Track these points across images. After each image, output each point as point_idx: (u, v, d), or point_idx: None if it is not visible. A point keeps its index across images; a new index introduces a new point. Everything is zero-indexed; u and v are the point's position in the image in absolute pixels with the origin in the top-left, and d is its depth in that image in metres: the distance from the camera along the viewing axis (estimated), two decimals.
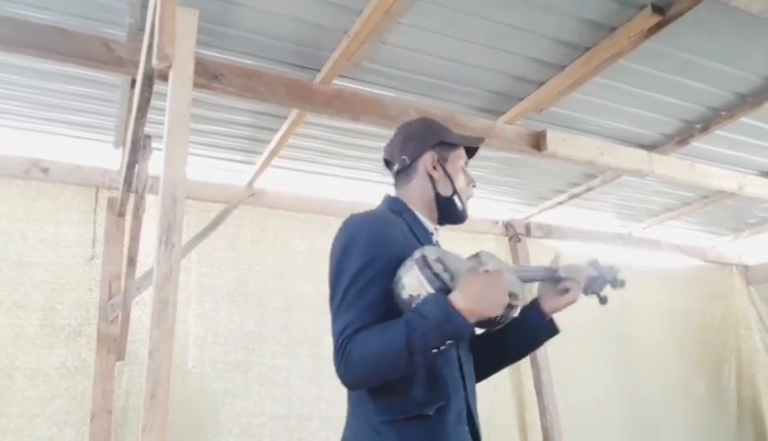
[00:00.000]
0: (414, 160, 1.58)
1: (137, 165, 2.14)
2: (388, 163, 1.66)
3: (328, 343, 3.26)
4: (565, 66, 2.34)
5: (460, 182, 1.61)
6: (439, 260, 1.30)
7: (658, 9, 1.97)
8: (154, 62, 1.32)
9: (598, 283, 1.59)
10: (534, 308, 1.57)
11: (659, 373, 4.06)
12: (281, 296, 3.05)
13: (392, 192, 1.62)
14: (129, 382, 2.67)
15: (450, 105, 2.59)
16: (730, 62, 2.38)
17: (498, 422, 3.46)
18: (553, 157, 2.74)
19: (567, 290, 1.54)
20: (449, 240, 3.54)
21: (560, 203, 3.67)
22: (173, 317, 1.13)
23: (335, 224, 3.65)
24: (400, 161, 1.59)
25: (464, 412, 1.41)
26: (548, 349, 3.56)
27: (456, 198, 1.59)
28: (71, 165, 2.77)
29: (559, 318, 1.58)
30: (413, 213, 1.55)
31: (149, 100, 1.77)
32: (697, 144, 2.97)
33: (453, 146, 1.63)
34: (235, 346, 2.88)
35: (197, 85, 2.02)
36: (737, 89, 2.57)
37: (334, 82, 2.32)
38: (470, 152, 1.70)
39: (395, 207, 1.56)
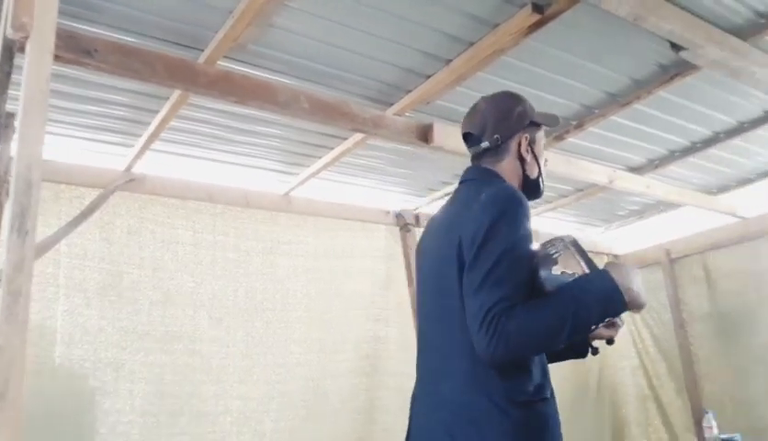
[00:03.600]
0: (507, 141, 1.62)
1: None
2: (471, 137, 1.67)
3: (206, 337, 3.16)
4: (451, 60, 2.39)
5: (542, 161, 1.68)
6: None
7: (537, 8, 2.05)
8: (8, 31, 1.20)
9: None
10: None
11: None
12: (158, 289, 2.91)
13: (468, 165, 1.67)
14: None
15: (341, 93, 2.58)
16: (603, 62, 2.53)
17: (385, 405, 3.52)
18: (440, 150, 2.81)
19: (613, 324, 1.51)
20: (341, 228, 3.59)
21: (448, 194, 3.75)
22: (25, 310, 1.03)
23: (224, 213, 3.53)
24: (493, 140, 1.62)
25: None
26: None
27: (540, 180, 1.67)
28: None
29: None
30: None
31: (9, 74, 1.62)
32: (573, 140, 3.15)
33: (538, 126, 1.67)
34: (106, 344, 2.72)
35: (66, 61, 1.88)
36: (608, 89, 2.75)
37: (219, 63, 2.22)
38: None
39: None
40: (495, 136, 1.62)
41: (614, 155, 3.46)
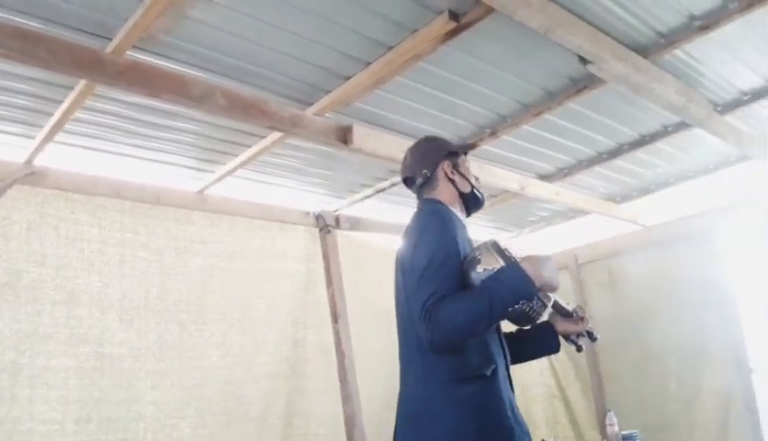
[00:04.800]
0: (433, 171, 1.98)
1: None
2: (409, 180, 2.06)
3: (116, 340, 3.03)
4: (370, 63, 2.41)
5: (471, 178, 2.03)
6: (505, 247, 1.75)
7: (454, 16, 2.11)
8: None
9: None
10: (549, 326, 1.98)
11: None
12: (62, 289, 2.75)
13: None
14: None
15: (259, 91, 2.54)
16: (516, 72, 2.63)
17: (303, 409, 3.49)
18: (359, 152, 2.82)
19: (581, 319, 1.96)
20: (259, 228, 3.53)
21: (367, 197, 3.79)
22: None
23: (134, 209, 3.39)
24: (423, 175, 1.98)
25: (506, 374, 1.80)
26: (353, 337, 3.67)
27: (475, 191, 2.02)
28: None
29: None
30: (453, 211, 1.91)
31: None
32: (487, 147, 3.25)
33: (457, 153, 2.04)
34: (2, 347, 2.55)
35: None
36: (521, 99, 2.85)
37: (129, 53, 2.13)
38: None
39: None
40: (423, 171, 1.99)
41: (525, 163, 3.59)
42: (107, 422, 2.75)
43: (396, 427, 1.86)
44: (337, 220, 3.93)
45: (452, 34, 2.18)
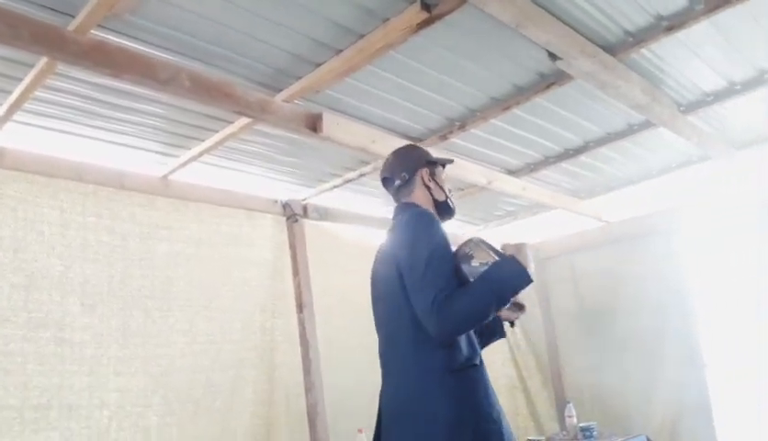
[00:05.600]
0: (412, 176, 2.16)
1: None
2: (387, 180, 2.23)
3: (77, 325, 2.96)
4: (341, 50, 2.38)
5: (446, 188, 2.19)
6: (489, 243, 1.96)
7: (426, 6, 2.10)
8: None
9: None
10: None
11: None
12: (20, 272, 2.66)
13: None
14: None
15: (226, 74, 2.49)
16: (486, 66, 2.64)
17: (272, 398, 3.47)
18: (328, 140, 2.80)
19: (522, 307, 2.09)
20: (226, 216, 3.48)
21: (336, 186, 3.77)
22: None
23: (96, 193, 3.31)
24: (401, 177, 2.16)
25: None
26: (319, 327, 3.66)
27: (448, 201, 2.18)
28: None
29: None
30: None
31: None
32: (456, 140, 3.26)
33: (435, 164, 2.21)
34: None
35: None
36: (490, 92, 2.87)
37: (93, 32, 2.07)
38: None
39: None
40: (403, 174, 2.16)
41: (493, 157, 3.62)
42: (69, 409, 2.68)
43: (382, 419, 1.96)
44: (305, 208, 3.91)
45: (424, 24, 2.18)
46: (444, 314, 1.74)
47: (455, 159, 3.33)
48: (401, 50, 2.40)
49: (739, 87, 3.02)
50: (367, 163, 3.48)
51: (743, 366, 4.11)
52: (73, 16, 2.03)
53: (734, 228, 4.17)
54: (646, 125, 3.34)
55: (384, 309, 2.04)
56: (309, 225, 3.90)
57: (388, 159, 2.25)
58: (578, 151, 3.63)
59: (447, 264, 1.85)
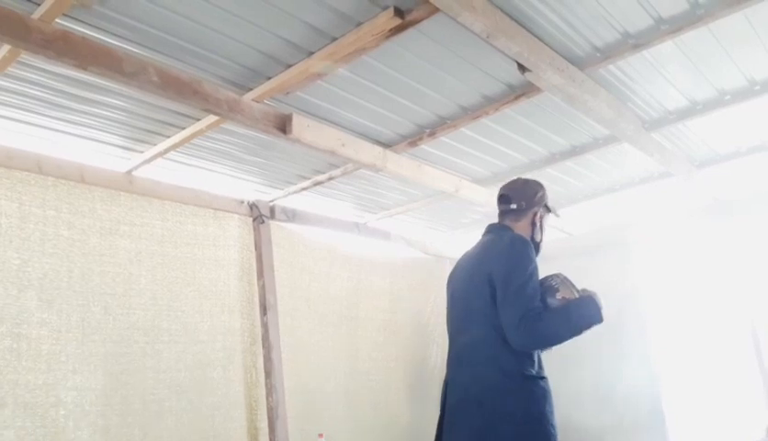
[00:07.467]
0: (528, 209, 2.54)
1: None
2: (504, 198, 2.58)
3: (34, 320, 2.87)
4: (313, 52, 2.38)
5: (545, 234, 2.60)
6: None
7: (399, 12, 2.11)
8: None
9: None
10: None
11: (380, 352, 4.40)
12: None
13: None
14: None
15: (195, 70, 2.46)
16: (456, 75, 2.66)
17: (238, 399, 3.43)
18: (297, 142, 2.78)
19: None
20: (191, 214, 3.42)
21: (304, 189, 3.75)
22: None
23: (57, 186, 3.24)
24: (519, 204, 2.53)
25: None
26: (281, 329, 3.63)
27: (540, 244, 2.56)
28: None
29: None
30: None
31: None
32: (425, 147, 3.28)
33: (549, 210, 2.60)
34: None
35: None
36: (460, 101, 2.89)
37: (58, 21, 2.02)
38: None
39: None
40: (522, 202, 2.52)
41: (461, 166, 3.65)
42: (24, 407, 2.60)
43: (448, 400, 2.33)
44: (272, 210, 3.87)
45: (396, 30, 2.19)
46: (529, 330, 2.12)
47: (423, 166, 3.40)
48: (373, 54, 2.40)
49: (700, 107, 3.11)
50: (336, 166, 3.46)
51: (696, 375, 4.22)
52: (39, 4, 1.98)
53: (691, 242, 4.29)
54: (610, 139, 3.40)
55: (466, 310, 2.40)
56: (276, 227, 3.86)
57: (516, 182, 2.64)
58: (544, 162, 3.68)
59: (537, 289, 2.25)
